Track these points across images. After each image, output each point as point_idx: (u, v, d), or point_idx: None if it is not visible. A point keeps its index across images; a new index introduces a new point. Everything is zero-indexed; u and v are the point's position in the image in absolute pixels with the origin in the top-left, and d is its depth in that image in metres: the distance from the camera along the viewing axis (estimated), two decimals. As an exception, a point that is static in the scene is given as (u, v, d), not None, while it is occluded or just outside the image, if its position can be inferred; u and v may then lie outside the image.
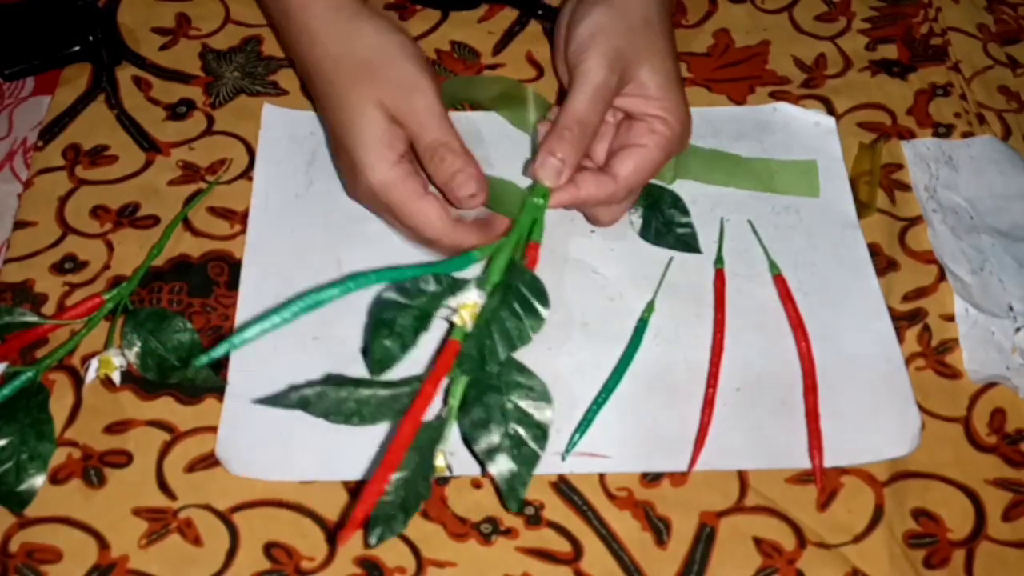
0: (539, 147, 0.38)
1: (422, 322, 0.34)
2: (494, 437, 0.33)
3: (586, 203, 0.39)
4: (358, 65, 0.37)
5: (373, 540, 0.31)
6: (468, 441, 0.34)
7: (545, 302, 0.35)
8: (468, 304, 0.34)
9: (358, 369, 0.39)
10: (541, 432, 0.33)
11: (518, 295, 0.35)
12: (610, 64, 0.37)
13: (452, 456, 0.34)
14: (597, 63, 0.37)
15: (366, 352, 0.38)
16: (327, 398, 0.33)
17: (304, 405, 0.33)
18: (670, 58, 0.39)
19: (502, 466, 0.33)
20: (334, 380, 0.33)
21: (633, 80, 0.38)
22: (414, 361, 0.35)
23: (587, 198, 0.38)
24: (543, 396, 0.34)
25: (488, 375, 0.34)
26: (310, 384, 0.33)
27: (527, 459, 0.33)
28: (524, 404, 0.34)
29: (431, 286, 0.34)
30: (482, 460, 0.33)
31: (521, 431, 0.33)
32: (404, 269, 0.34)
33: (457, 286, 0.35)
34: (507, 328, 0.34)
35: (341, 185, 0.43)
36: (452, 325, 0.35)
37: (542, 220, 0.38)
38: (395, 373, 0.34)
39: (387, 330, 0.33)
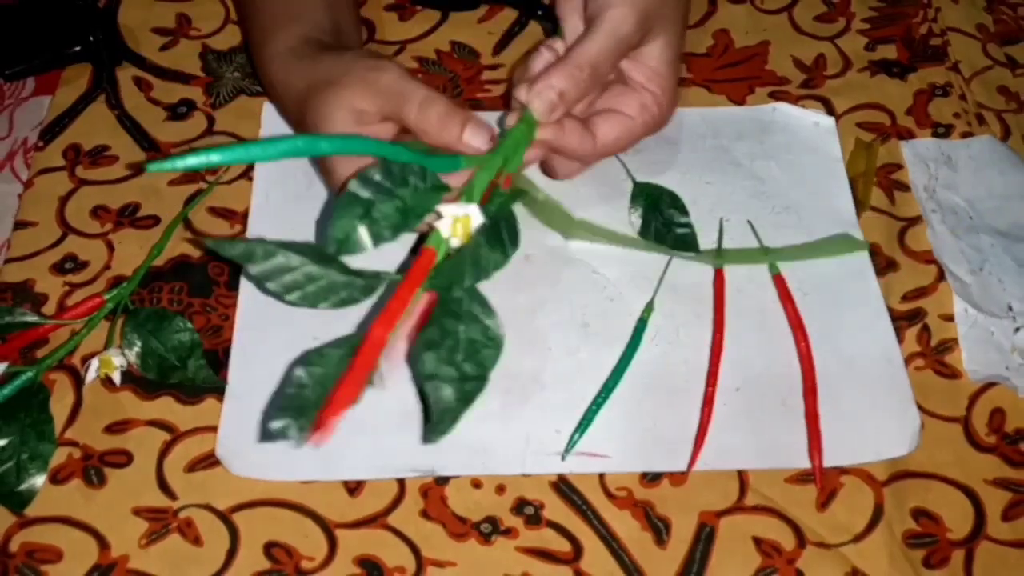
0: (540, 74, 0.35)
1: (405, 219, 0.30)
2: (441, 363, 0.29)
3: (562, 151, 0.37)
4: (319, 85, 0.36)
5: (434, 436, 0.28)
6: (412, 357, 0.30)
7: (516, 242, 0.33)
8: (463, 217, 0.30)
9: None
10: (483, 373, 0.30)
11: (496, 227, 0.32)
12: (639, 20, 0.35)
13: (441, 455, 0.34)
14: (627, 14, 0.35)
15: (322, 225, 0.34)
16: (273, 259, 0.28)
17: (247, 258, 0.28)
18: (681, 39, 0.38)
19: (443, 395, 0.29)
20: (295, 246, 0.29)
21: (647, 47, 0.37)
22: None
23: (565, 146, 0.36)
24: (496, 339, 0.31)
25: (451, 298, 0.30)
26: (267, 241, 0.29)
27: (466, 397, 0.29)
28: (477, 340, 0.30)
29: (418, 181, 0.31)
30: (422, 381, 0.29)
31: (467, 367, 0.30)
32: (396, 148, 0.30)
33: (440, 192, 0.31)
34: (480, 256, 0.31)
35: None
36: (427, 233, 0.31)
37: (522, 152, 0.35)
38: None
39: (361, 209, 0.29)
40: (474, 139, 0.34)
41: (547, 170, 0.41)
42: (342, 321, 0.40)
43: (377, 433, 0.38)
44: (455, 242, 0.31)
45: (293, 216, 0.44)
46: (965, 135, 0.47)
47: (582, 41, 0.35)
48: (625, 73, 0.38)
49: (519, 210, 0.36)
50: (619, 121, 0.37)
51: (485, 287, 0.41)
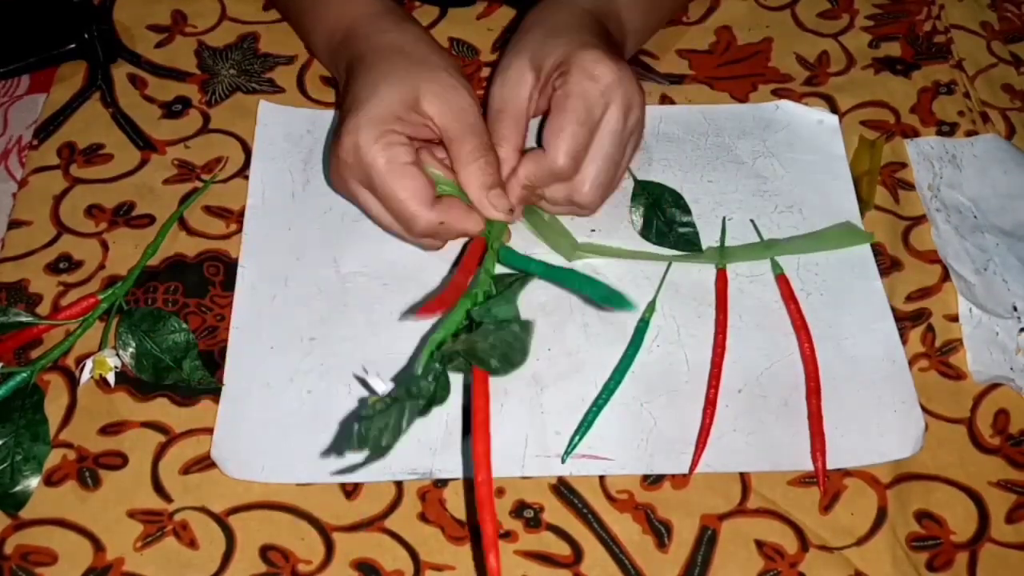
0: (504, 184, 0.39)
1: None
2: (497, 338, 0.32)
3: (537, 182, 0.38)
4: (405, 52, 0.39)
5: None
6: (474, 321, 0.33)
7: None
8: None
9: (355, 370, 0.39)
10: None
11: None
12: (517, 57, 0.39)
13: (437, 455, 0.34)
14: (517, 67, 0.39)
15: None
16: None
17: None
18: (591, 36, 0.39)
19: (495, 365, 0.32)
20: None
21: (554, 63, 0.38)
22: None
23: (530, 176, 0.38)
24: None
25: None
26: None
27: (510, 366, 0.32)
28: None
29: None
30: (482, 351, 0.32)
31: (510, 342, 0.32)
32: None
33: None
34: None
35: (324, 176, 0.42)
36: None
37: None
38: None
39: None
40: (498, 202, 0.38)
41: (579, 214, 0.41)
42: (339, 321, 0.40)
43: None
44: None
45: (289, 214, 0.43)
46: (969, 133, 0.47)
47: (492, 112, 0.39)
48: (563, 86, 0.38)
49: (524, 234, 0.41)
50: (553, 120, 0.37)
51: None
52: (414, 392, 0.31)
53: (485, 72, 0.49)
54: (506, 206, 0.38)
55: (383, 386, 0.32)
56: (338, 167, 0.38)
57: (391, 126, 0.36)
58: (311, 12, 0.45)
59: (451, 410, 0.38)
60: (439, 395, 0.32)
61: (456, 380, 0.38)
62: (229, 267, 0.42)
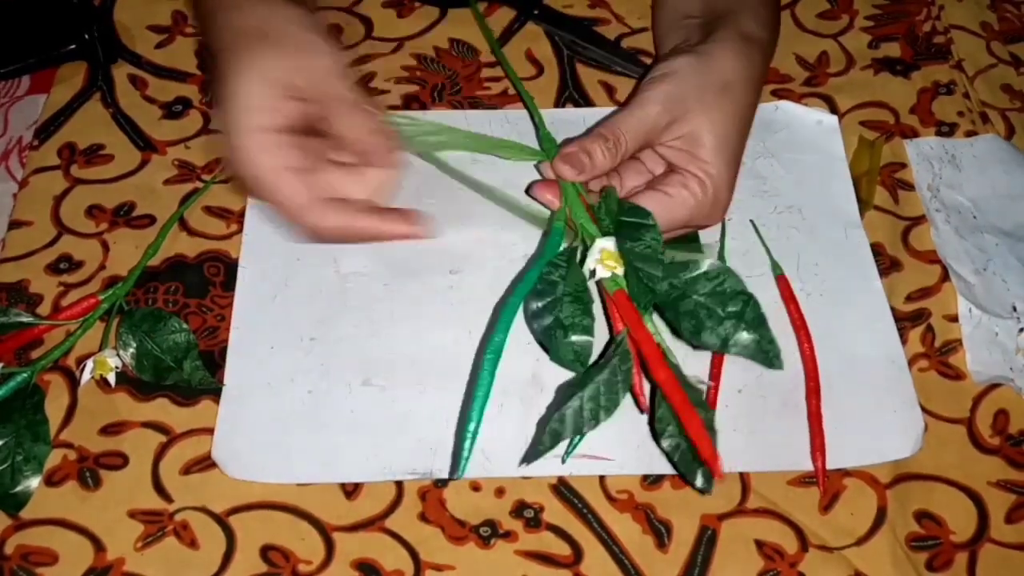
0: (568, 142, 0.37)
1: (582, 299, 0.34)
2: (714, 329, 0.33)
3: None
4: (256, 37, 0.36)
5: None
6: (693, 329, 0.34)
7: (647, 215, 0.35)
8: (608, 252, 0.34)
9: (355, 370, 0.39)
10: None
11: (623, 224, 0.35)
12: (666, 104, 0.37)
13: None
14: (655, 97, 0.37)
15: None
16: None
17: None
18: (735, 130, 0.38)
19: (743, 339, 0.33)
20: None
21: (687, 134, 0.37)
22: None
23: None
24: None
25: (662, 293, 0.34)
26: None
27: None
28: (706, 292, 0.34)
29: (556, 272, 0.35)
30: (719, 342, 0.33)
31: (719, 310, 0.33)
32: (523, 281, 0.35)
33: (568, 253, 0.35)
34: (638, 252, 0.34)
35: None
36: (600, 282, 0.35)
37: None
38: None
39: (562, 331, 0.34)
40: (380, 138, 0.36)
41: None
42: (339, 321, 0.40)
43: (375, 435, 0.37)
44: (622, 270, 0.35)
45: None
46: (969, 134, 0.47)
47: (610, 117, 0.38)
48: (670, 160, 0.38)
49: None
50: (654, 196, 0.37)
51: (480, 283, 0.41)
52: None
53: (486, 72, 0.49)
54: (609, 165, 0.37)
55: None
56: (237, 172, 0.36)
57: (266, 119, 0.34)
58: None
59: (452, 410, 0.38)
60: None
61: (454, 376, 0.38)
62: (229, 267, 0.42)
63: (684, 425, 0.31)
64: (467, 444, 0.31)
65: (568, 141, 0.38)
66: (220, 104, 0.36)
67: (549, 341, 0.34)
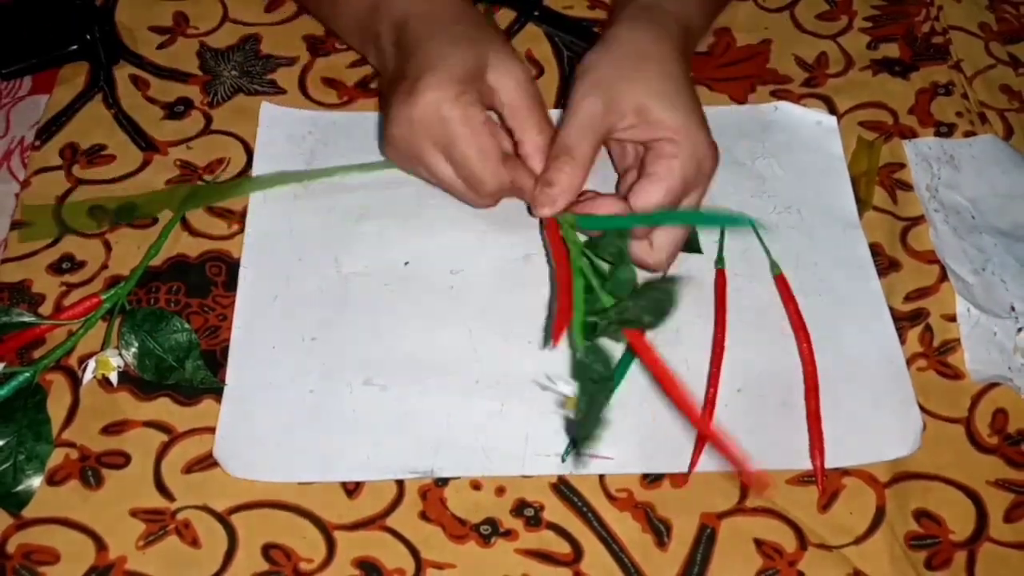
0: (531, 182, 0.38)
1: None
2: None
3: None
4: (474, 25, 0.39)
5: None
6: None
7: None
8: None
9: (356, 370, 0.39)
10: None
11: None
12: (593, 94, 0.37)
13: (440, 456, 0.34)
14: (580, 93, 0.38)
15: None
16: None
17: None
18: (672, 85, 0.38)
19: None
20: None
21: (630, 110, 0.38)
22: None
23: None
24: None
25: None
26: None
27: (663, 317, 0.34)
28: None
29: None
30: None
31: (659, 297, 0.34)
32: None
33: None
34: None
35: (377, 141, 0.41)
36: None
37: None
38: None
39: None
40: (561, 166, 0.37)
41: (641, 266, 0.39)
42: (341, 322, 0.40)
43: (376, 434, 0.38)
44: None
45: (290, 215, 0.43)
46: (968, 134, 0.47)
47: (557, 134, 0.38)
48: (636, 139, 0.39)
49: None
50: (643, 184, 0.37)
51: (480, 283, 0.42)
52: (595, 377, 0.33)
53: (485, 73, 0.49)
54: (567, 179, 0.37)
55: (568, 387, 0.34)
56: (410, 129, 0.37)
57: (467, 87, 0.36)
58: None
59: (452, 409, 0.38)
60: (613, 367, 0.34)
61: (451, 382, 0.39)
62: (231, 267, 0.42)
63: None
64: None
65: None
66: (419, 68, 0.37)
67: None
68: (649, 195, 0.37)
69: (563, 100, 0.48)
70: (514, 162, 0.38)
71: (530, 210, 0.40)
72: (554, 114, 0.47)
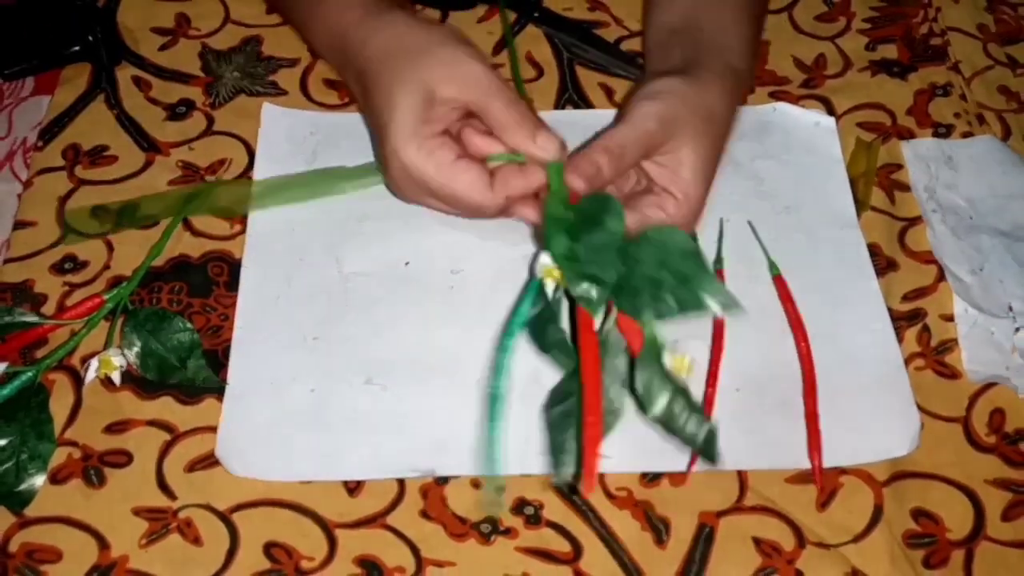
0: (578, 153, 0.38)
1: (552, 321, 0.34)
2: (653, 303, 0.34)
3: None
4: (403, 53, 0.38)
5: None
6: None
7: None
8: (548, 268, 0.34)
9: (357, 369, 0.39)
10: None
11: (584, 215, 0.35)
12: (661, 124, 0.37)
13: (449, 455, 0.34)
14: (652, 114, 0.38)
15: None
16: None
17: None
18: (714, 157, 0.39)
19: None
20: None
21: (672, 153, 0.38)
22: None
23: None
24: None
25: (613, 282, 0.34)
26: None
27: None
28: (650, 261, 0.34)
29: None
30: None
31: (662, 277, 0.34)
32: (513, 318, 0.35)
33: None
34: (594, 243, 0.34)
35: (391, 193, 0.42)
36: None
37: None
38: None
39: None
40: (548, 144, 0.37)
41: None
42: (342, 321, 0.41)
43: (377, 433, 0.38)
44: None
45: (291, 216, 0.44)
46: (966, 135, 0.47)
47: (610, 129, 0.38)
48: (651, 176, 0.39)
49: None
50: (632, 217, 0.38)
51: (480, 283, 0.42)
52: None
53: (486, 74, 0.49)
54: (556, 144, 0.37)
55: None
56: (398, 188, 0.39)
57: (423, 131, 0.37)
58: (307, 23, 0.45)
59: (453, 408, 0.38)
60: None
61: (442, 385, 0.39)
62: (233, 267, 0.42)
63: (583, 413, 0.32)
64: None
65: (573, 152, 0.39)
66: (377, 124, 0.38)
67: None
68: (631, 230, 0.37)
69: (568, 99, 0.48)
70: (503, 180, 0.38)
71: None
72: (554, 114, 0.47)
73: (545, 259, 0.34)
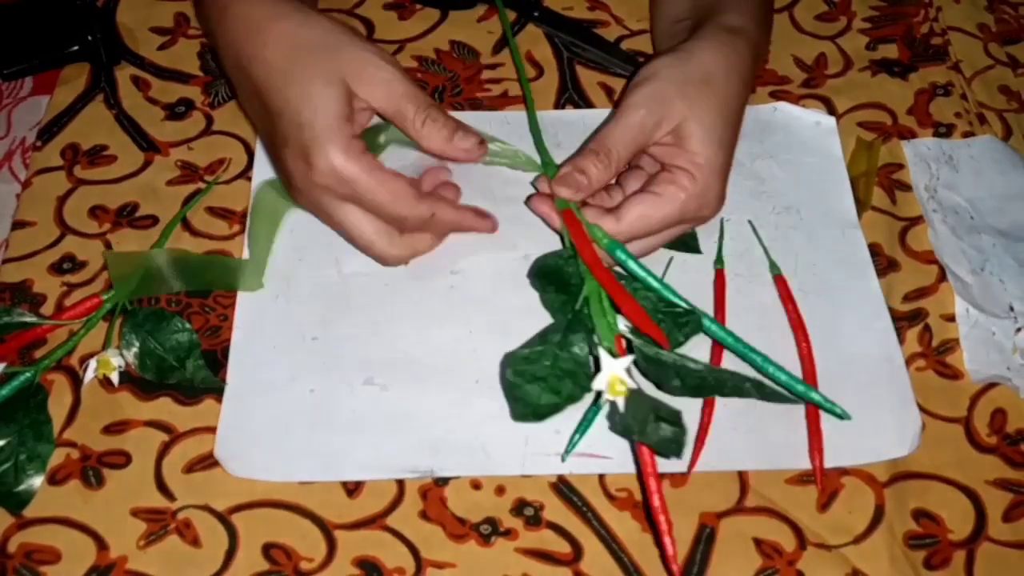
0: (565, 163, 0.39)
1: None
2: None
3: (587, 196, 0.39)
4: (315, 47, 0.36)
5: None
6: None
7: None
8: (616, 376, 0.33)
9: (356, 370, 0.39)
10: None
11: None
12: (649, 106, 0.37)
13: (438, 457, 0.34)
14: (637, 101, 0.37)
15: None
16: None
17: None
18: (722, 119, 0.38)
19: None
20: None
21: (674, 129, 0.38)
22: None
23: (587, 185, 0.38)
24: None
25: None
26: None
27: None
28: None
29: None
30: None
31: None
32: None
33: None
34: None
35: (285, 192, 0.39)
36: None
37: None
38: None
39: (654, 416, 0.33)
40: (463, 142, 0.38)
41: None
42: (342, 321, 0.40)
43: (376, 433, 0.38)
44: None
45: (291, 216, 0.43)
46: (966, 135, 0.47)
47: (601, 130, 0.38)
48: (660, 158, 0.39)
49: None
50: (644, 199, 0.37)
51: (480, 283, 0.41)
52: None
53: (486, 75, 0.49)
54: (473, 142, 0.38)
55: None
56: (312, 192, 0.37)
57: (347, 129, 0.35)
58: (215, 29, 0.40)
59: (452, 409, 0.38)
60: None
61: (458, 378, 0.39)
62: (231, 267, 0.42)
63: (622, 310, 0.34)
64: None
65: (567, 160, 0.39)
66: (290, 130, 0.36)
67: (640, 428, 0.33)
68: (644, 213, 0.37)
69: (568, 99, 0.48)
70: (431, 198, 0.38)
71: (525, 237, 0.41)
72: (553, 115, 0.47)
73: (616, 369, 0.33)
